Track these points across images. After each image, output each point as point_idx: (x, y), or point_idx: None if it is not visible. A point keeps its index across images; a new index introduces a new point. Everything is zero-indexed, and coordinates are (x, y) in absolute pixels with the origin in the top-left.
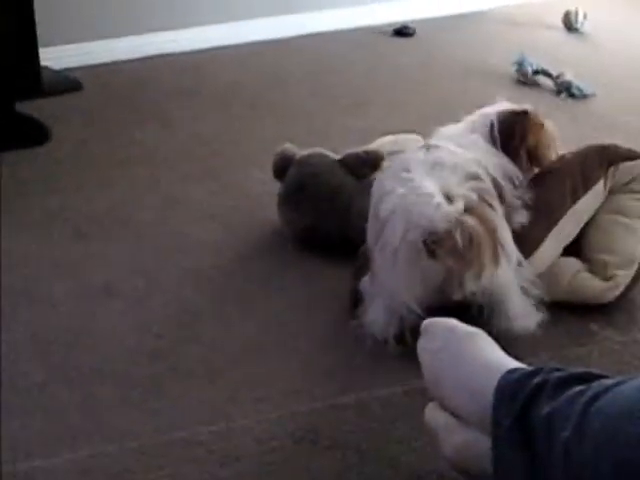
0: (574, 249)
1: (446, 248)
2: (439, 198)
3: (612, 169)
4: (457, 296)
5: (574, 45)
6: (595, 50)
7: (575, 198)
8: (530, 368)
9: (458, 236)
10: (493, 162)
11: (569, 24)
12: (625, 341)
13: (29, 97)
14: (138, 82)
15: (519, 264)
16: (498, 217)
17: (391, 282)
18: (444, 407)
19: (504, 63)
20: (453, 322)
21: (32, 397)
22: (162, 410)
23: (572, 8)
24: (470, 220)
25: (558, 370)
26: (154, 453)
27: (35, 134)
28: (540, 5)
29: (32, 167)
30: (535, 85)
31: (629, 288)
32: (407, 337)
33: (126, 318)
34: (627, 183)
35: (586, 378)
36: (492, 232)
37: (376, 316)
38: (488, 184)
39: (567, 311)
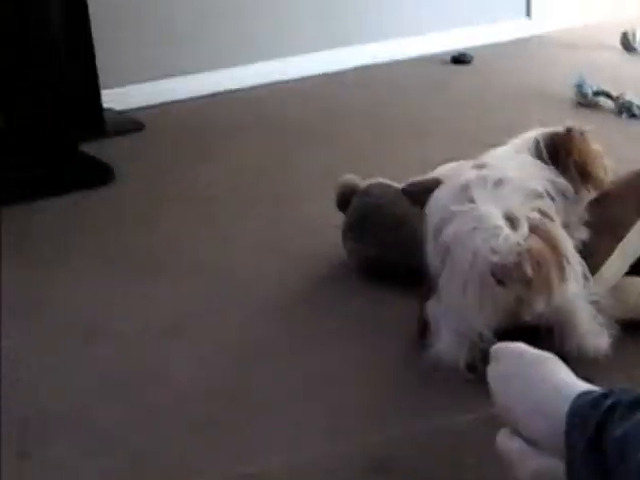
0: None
1: (515, 277)
2: (504, 228)
3: None
4: (527, 317)
5: (633, 65)
6: None
7: None
8: (602, 390)
9: (526, 265)
10: (544, 177)
11: (627, 44)
12: None
13: (93, 138)
14: (199, 120)
15: (585, 279)
16: (560, 230)
17: (461, 309)
18: (517, 433)
19: (563, 86)
20: (522, 347)
21: (108, 438)
22: (234, 446)
23: (629, 29)
24: (535, 243)
25: (629, 392)
26: None
27: (99, 174)
28: (597, 27)
29: (97, 208)
30: (596, 107)
31: None
32: (477, 363)
33: (194, 356)
34: None
35: None
36: (557, 249)
37: (446, 342)
38: (547, 199)
39: (636, 330)
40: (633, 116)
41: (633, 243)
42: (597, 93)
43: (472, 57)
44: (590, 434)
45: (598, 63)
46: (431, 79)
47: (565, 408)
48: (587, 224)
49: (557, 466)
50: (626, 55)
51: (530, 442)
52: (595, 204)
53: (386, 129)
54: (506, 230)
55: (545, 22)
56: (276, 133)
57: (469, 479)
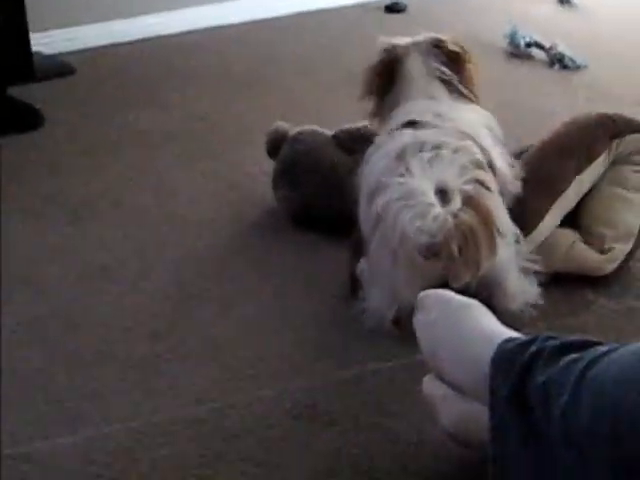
0: (568, 217)
1: (442, 255)
2: (434, 205)
3: (617, 141)
4: (456, 286)
5: (567, 17)
6: (587, 22)
7: (579, 169)
8: (526, 337)
9: (453, 244)
10: (480, 125)
11: None
12: (620, 309)
13: (22, 82)
14: (130, 65)
15: (517, 241)
16: (494, 200)
17: (390, 277)
18: (442, 379)
19: (496, 36)
20: (448, 294)
21: (32, 381)
22: (161, 390)
23: None
24: (467, 217)
25: (553, 338)
26: (154, 432)
27: (29, 119)
28: None
29: (26, 152)
30: (528, 57)
31: (625, 260)
32: (404, 322)
33: (124, 300)
34: (629, 154)
35: (581, 346)
36: (489, 222)
37: (374, 303)
38: (483, 162)
39: (563, 281)
40: (565, 67)
41: (569, 199)
42: (530, 44)
43: (406, 5)
44: (513, 380)
45: (532, 14)
46: (365, 27)
47: (490, 354)
48: (523, 180)
49: (481, 411)
50: (560, 7)
51: (455, 388)
52: (531, 159)
53: (320, 76)
54: (436, 208)
55: None
56: (212, 79)
57: (396, 424)
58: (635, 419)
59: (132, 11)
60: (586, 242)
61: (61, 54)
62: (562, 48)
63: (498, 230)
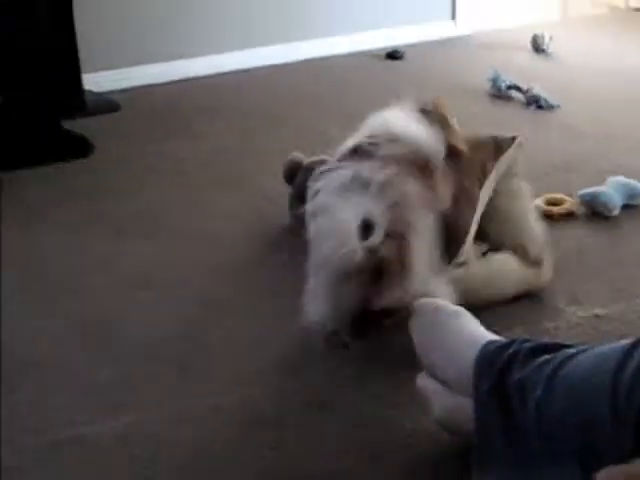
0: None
1: (358, 281)
2: (355, 237)
3: (502, 157)
4: (375, 308)
5: (541, 63)
6: (559, 68)
7: (480, 185)
8: (505, 340)
9: (366, 273)
10: (426, 135)
11: (537, 46)
12: (587, 316)
13: (75, 116)
14: (168, 102)
15: (444, 261)
16: (415, 236)
17: (319, 296)
18: (433, 375)
19: (481, 80)
20: (440, 302)
21: (80, 375)
22: (190, 383)
23: (539, 32)
24: (385, 250)
25: (529, 341)
26: (184, 418)
27: (80, 148)
28: (512, 30)
29: (78, 176)
30: (508, 99)
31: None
32: (343, 336)
33: (160, 306)
34: (511, 167)
35: (553, 348)
36: (405, 257)
37: (315, 316)
38: (411, 200)
39: (538, 291)
40: (540, 107)
41: (479, 214)
42: (510, 87)
43: (404, 53)
44: (494, 377)
45: (511, 61)
46: (368, 71)
47: (474, 355)
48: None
49: (467, 404)
50: (535, 55)
51: (445, 383)
52: (451, 168)
53: (332, 113)
54: (354, 240)
55: (467, 25)
56: (237, 115)
57: (392, 414)
58: (599, 412)
59: (169, 56)
60: (521, 261)
61: (108, 92)
62: (537, 91)
63: (411, 265)
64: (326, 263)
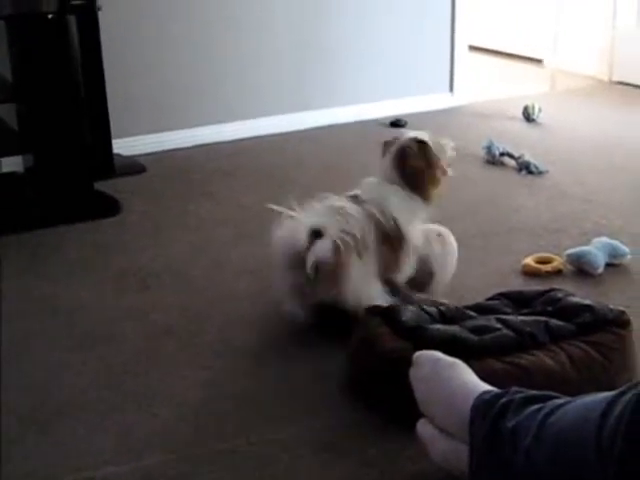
0: None
1: (299, 271)
2: (303, 239)
3: None
4: (319, 300)
5: (531, 132)
6: (548, 136)
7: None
8: (499, 390)
9: (308, 267)
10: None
11: (527, 116)
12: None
13: (105, 178)
14: (189, 165)
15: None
16: (353, 247)
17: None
18: (432, 422)
19: (476, 147)
20: (438, 354)
21: (106, 417)
22: (207, 426)
23: (530, 103)
24: (322, 252)
25: (520, 392)
26: (203, 461)
27: (109, 207)
28: (504, 101)
29: (107, 233)
30: (501, 164)
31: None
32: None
33: (180, 354)
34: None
35: (543, 398)
36: (340, 261)
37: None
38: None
39: None
40: (530, 172)
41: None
42: (502, 154)
43: (406, 122)
44: (488, 425)
45: (504, 130)
46: (373, 138)
47: (470, 404)
48: None
49: (462, 449)
50: (526, 124)
51: (443, 430)
52: None
53: (339, 175)
54: (302, 241)
55: (464, 96)
56: (253, 177)
57: (394, 455)
58: (586, 459)
59: (190, 123)
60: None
61: (135, 156)
62: (528, 157)
63: (347, 268)
64: (279, 252)
